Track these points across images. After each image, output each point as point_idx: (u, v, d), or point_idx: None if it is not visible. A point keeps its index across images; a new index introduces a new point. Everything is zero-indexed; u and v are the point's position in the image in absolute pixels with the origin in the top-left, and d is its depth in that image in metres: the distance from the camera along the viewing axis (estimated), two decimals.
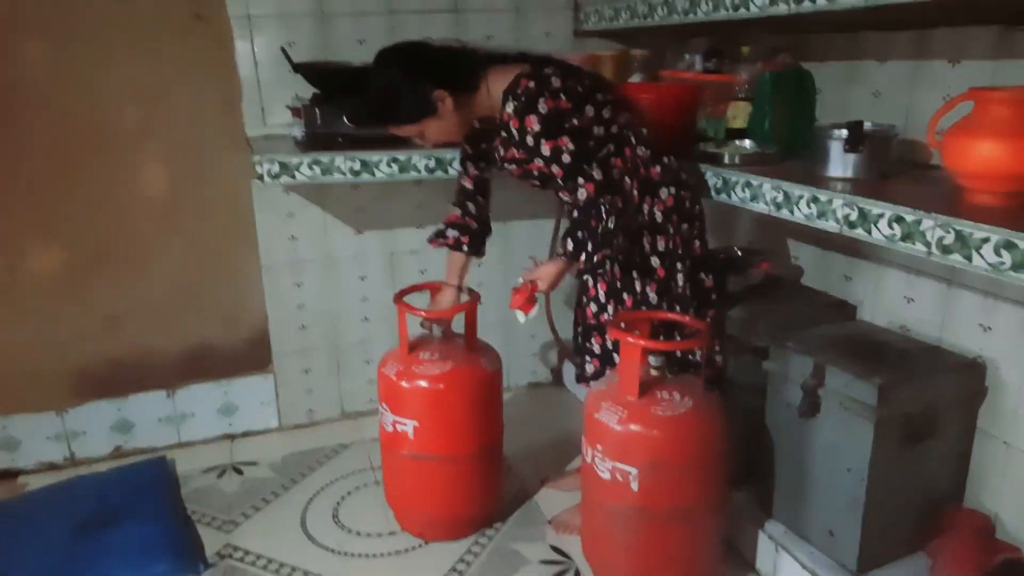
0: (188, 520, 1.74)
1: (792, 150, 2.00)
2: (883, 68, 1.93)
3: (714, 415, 1.69)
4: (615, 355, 1.87)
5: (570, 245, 1.70)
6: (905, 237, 1.39)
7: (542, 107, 1.65)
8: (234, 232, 2.51)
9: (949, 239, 1.29)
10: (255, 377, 2.67)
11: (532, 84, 1.66)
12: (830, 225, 1.56)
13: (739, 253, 2.21)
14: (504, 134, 1.77)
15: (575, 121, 1.69)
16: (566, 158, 1.68)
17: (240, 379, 2.65)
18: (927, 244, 1.34)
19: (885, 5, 1.38)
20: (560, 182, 1.74)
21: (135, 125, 2.32)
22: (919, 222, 1.35)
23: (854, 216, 1.50)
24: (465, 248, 2.03)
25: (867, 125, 1.71)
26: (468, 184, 2.03)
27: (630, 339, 1.65)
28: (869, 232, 1.47)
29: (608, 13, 2.40)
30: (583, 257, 1.69)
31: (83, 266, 2.37)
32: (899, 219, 1.40)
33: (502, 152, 1.83)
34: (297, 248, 2.60)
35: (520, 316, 1.82)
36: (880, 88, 1.95)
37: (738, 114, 2.19)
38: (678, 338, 1.87)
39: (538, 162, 1.73)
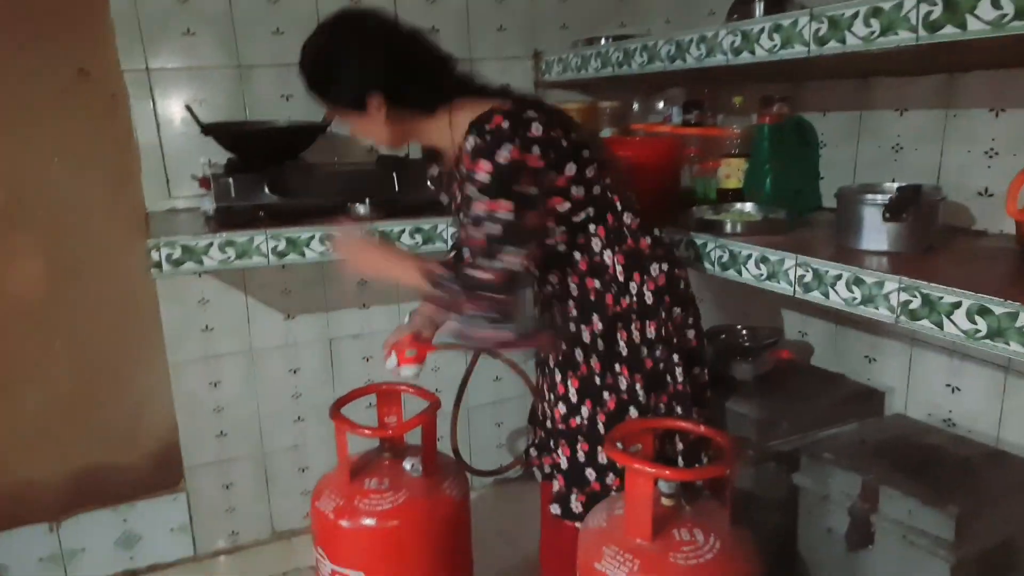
0: None
1: (797, 213, 1.71)
2: (904, 119, 1.66)
3: (747, 559, 1.32)
4: (587, 471, 1.48)
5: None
6: (994, 334, 1.08)
7: (503, 155, 1.29)
8: (133, 328, 2.06)
9: None
10: (163, 498, 2.19)
11: (506, 124, 1.31)
12: (881, 314, 1.24)
13: (744, 333, 1.88)
14: (457, 173, 1.44)
15: (545, 182, 1.34)
16: (496, 229, 1.29)
17: (144, 502, 2.17)
18: None
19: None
20: (467, 251, 1.35)
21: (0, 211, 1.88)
22: (1015, 315, 1.04)
23: (916, 304, 1.18)
24: None
25: (893, 185, 1.43)
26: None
27: (638, 465, 1.28)
28: (940, 325, 1.15)
29: (575, 62, 2.10)
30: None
31: None
32: (984, 311, 1.09)
33: (458, 197, 1.47)
34: (213, 341, 2.16)
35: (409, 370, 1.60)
36: (901, 142, 1.68)
37: (732, 172, 1.89)
38: (681, 446, 1.50)
39: (463, 218, 1.37)
